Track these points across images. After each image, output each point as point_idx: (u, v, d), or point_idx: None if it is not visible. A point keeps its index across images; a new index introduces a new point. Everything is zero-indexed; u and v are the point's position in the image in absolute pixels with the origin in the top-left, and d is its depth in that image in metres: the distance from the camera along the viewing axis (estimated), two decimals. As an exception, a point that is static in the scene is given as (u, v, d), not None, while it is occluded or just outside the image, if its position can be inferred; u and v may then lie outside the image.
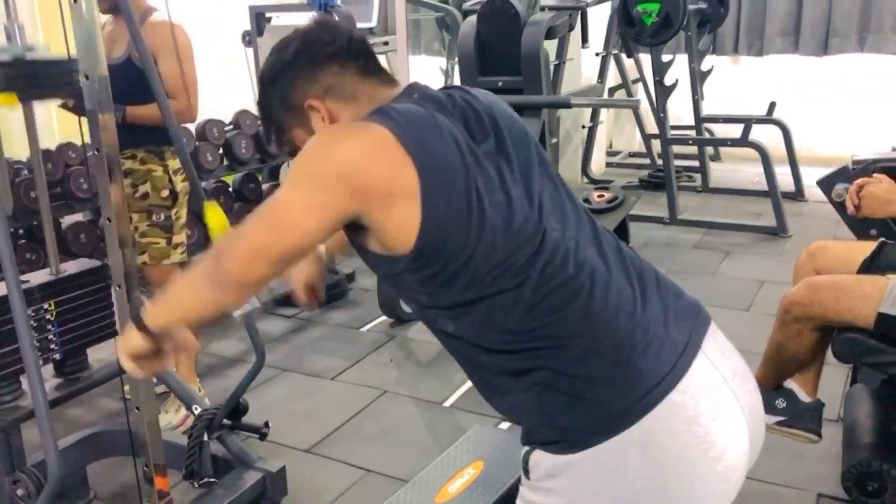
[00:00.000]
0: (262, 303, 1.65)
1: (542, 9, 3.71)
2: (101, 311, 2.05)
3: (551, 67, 4.20)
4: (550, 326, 1.11)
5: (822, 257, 2.28)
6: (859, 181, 2.16)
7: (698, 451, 1.11)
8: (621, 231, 4.62)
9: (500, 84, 3.67)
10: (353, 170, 1.07)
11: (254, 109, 3.93)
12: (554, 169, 1.26)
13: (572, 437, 1.12)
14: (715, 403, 1.14)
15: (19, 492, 2.08)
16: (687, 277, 4.24)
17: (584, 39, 4.03)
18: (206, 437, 2.19)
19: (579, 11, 3.84)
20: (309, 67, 1.22)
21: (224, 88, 4.40)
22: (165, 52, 2.65)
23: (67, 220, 3.22)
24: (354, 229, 1.13)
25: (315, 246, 1.16)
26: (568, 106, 3.61)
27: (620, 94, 6.18)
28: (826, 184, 2.45)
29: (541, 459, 1.16)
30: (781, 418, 2.20)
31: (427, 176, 1.08)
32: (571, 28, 3.90)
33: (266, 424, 2.31)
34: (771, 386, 2.24)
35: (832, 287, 2.03)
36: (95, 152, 1.68)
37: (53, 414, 2.52)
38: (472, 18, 3.73)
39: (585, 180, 6.13)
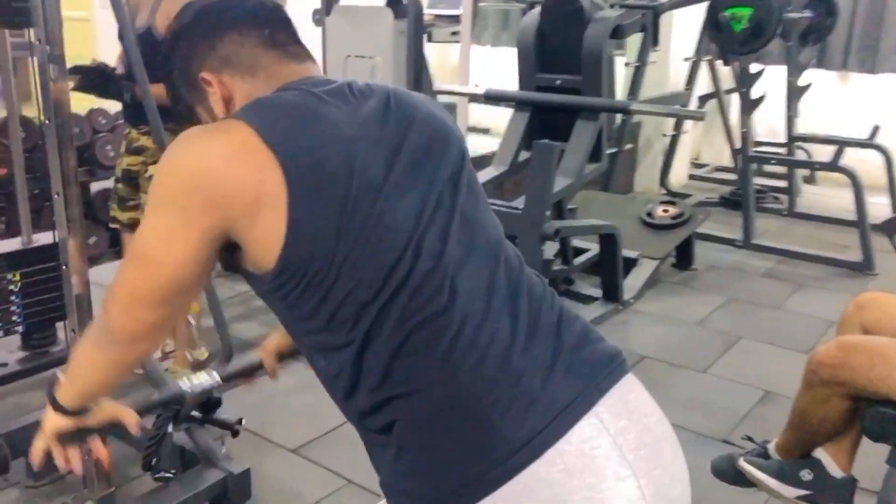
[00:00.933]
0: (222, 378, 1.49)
1: (612, 6, 3.44)
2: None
3: (624, 69, 3.94)
4: (409, 370, 0.94)
5: (871, 311, 1.97)
6: (919, 229, 1.84)
7: None
8: (684, 250, 4.32)
9: (557, 82, 3.44)
10: (209, 179, 0.93)
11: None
12: (474, 179, 1.08)
13: None
14: (597, 480, 0.92)
15: (-18, 460, 2.04)
16: (747, 308, 3.90)
17: (655, 42, 3.74)
18: (170, 429, 2.09)
19: (652, 11, 3.55)
20: (206, 35, 1.07)
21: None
22: None
23: (97, 187, 3.19)
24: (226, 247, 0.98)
25: (202, 275, 0.99)
26: (626, 111, 3.34)
27: (713, 104, 5.79)
28: (890, 227, 2.12)
29: None
30: (805, 492, 1.92)
31: (295, 179, 0.92)
32: (643, 29, 3.61)
33: (239, 421, 2.19)
34: (797, 454, 1.96)
35: (868, 350, 1.74)
36: (46, 122, 1.58)
37: (25, 386, 2.51)
38: (536, 11, 3.51)
39: (663, 192, 5.79)
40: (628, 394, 1.00)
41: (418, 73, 4.18)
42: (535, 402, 0.93)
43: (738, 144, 5.64)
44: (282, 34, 1.09)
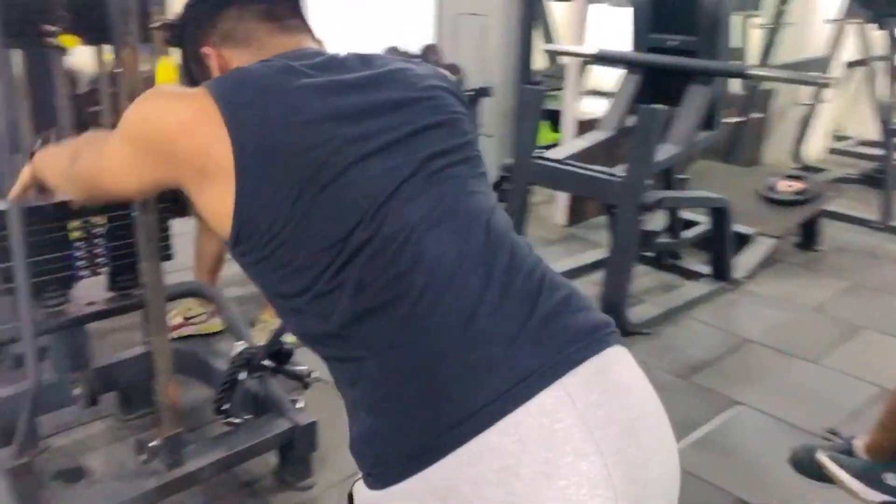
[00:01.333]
0: None
1: (738, -40, 3.18)
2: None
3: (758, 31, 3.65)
4: (371, 332, 0.93)
5: None
6: None
7: None
8: (809, 229, 4.01)
9: (671, 43, 3.22)
10: (163, 138, 0.97)
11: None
12: (474, 155, 1.06)
13: (377, 471, 0.93)
14: (553, 455, 0.85)
15: (75, 392, 2.17)
16: (875, 297, 3.57)
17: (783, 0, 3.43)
18: (242, 376, 2.15)
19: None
20: (209, 11, 1.12)
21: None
22: None
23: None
24: None
25: (150, 191, 1.26)
26: (743, 76, 3.09)
27: (860, 72, 5.29)
28: None
29: (359, 490, 0.98)
30: (889, 498, 1.75)
31: (244, 152, 0.93)
32: (772, -15, 3.32)
33: (309, 374, 2.23)
34: (884, 457, 1.78)
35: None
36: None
37: (111, 325, 2.63)
38: (653, -33, 3.29)
39: (795, 165, 5.38)
40: (609, 367, 0.93)
41: (528, 32, 4.06)
42: (495, 368, 0.88)
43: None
44: (281, 8, 1.12)
